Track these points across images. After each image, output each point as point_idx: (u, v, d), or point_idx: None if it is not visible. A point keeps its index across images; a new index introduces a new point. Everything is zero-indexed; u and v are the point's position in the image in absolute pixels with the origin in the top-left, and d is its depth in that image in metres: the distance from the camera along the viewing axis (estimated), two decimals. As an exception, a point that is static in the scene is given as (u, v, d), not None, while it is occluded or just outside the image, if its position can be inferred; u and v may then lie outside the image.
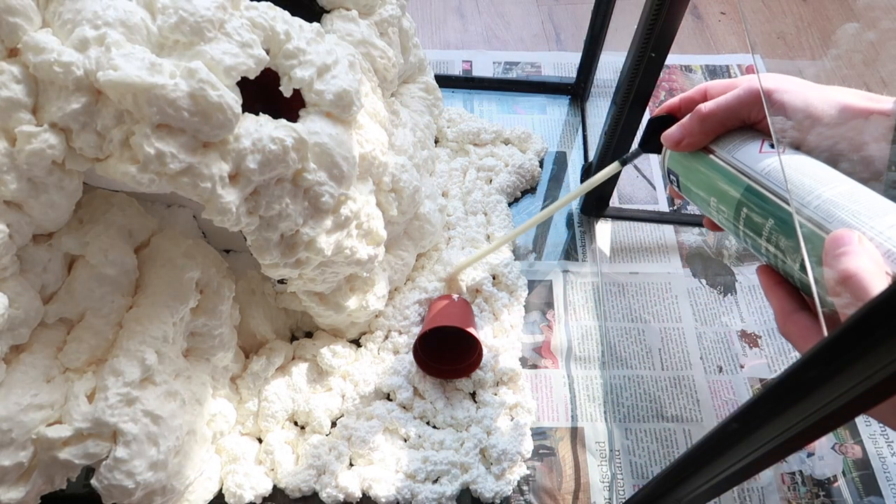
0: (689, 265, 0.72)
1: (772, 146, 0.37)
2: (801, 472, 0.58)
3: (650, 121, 0.44)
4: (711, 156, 0.39)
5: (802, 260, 0.32)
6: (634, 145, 0.80)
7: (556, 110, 0.86)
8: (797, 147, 0.37)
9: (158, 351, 0.47)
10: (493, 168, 0.76)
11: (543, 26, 0.98)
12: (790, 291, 0.34)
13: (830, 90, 0.37)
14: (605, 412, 0.61)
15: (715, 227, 0.44)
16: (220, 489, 0.54)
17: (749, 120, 0.39)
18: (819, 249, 0.31)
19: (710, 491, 0.33)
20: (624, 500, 0.55)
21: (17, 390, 0.42)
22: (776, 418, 0.25)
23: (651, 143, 0.44)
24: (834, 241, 0.29)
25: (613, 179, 0.69)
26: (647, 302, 0.69)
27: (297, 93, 0.47)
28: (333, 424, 0.59)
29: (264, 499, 0.55)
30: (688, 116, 0.40)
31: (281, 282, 0.59)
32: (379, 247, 0.56)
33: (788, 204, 0.33)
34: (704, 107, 0.39)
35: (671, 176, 0.43)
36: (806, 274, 0.32)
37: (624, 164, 0.49)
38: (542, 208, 0.76)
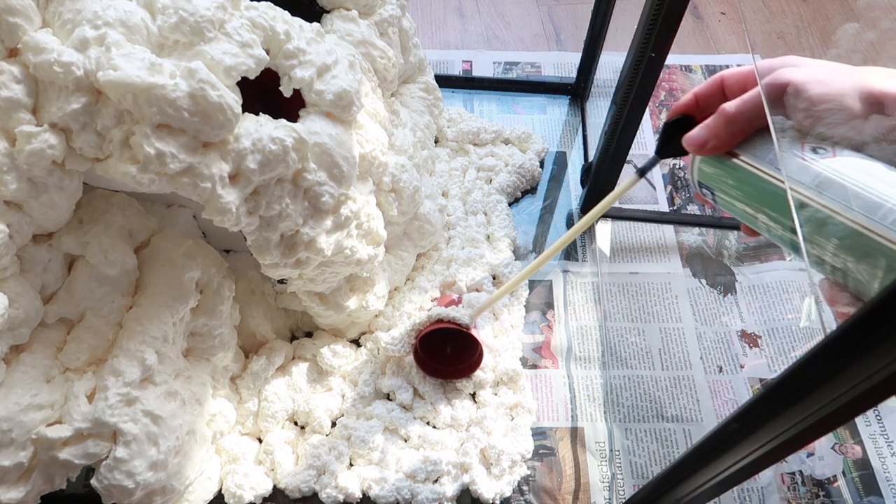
0: (689, 265, 0.72)
1: (814, 150, 0.33)
2: (801, 472, 0.58)
3: (666, 124, 0.41)
4: (751, 168, 0.35)
5: (881, 281, 0.29)
6: (639, 144, 0.81)
7: (556, 110, 0.86)
8: (844, 143, 0.33)
9: (158, 351, 0.47)
10: (493, 168, 0.76)
11: (543, 26, 0.98)
12: None
13: (865, 75, 0.33)
14: (605, 412, 0.61)
15: (753, 233, 0.40)
16: (220, 489, 0.54)
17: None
18: None
19: (710, 491, 0.33)
20: (624, 500, 0.55)
21: (17, 390, 0.42)
22: (776, 418, 0.25)
23: (668, 148, 0.40)
24: None
25: (613, 180, 0.69)
26: (647, 302, 0.69)
27: (297, 93, 0.47)
28: (333, 424, 0.59)
29: (264, 499, 0.55)
30: (712, 117, 0.37)
31: (281, 282, 0.59)
32: (379, 247, 0.56)
33: (854, 221, 0.30)
34: (730, 106, 0.36)
35: (703, 189, 0.40)
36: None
37: (642, 174, 0.46)
38: (542, 208, 0.76)
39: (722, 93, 0.39)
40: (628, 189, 0.47)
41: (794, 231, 0.33)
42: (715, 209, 0.40)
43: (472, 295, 0.63)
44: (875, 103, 0.32)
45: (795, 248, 0.34)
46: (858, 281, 0.30)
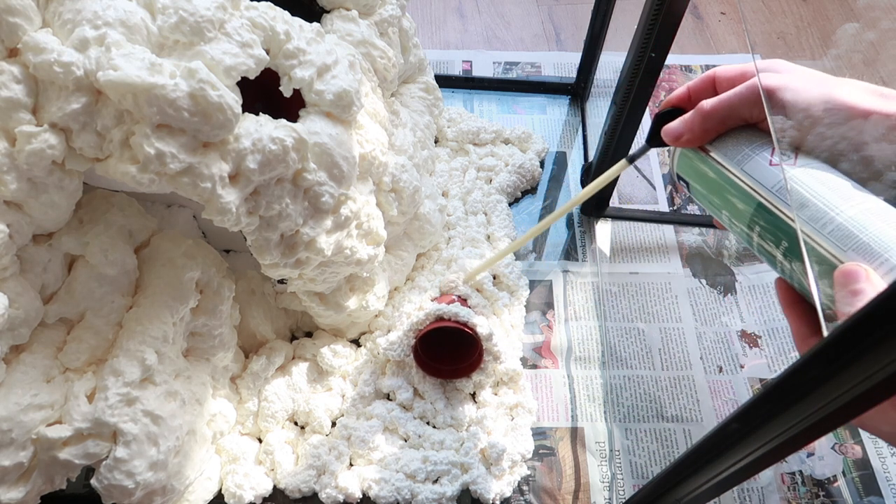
0: (689, 265, 0.72)
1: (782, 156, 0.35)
2: (801, 472, 0.58)
3: (657, 115, 0.43)
4: (719, 165, 0.38)
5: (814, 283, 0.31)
6: (639, 143, 0.80)
7: (556, 110, 0.86)
8: (804, 151, 0.35)
9: (158, 351, 0.47)
10: (493, 168, 0.76)
11: (543, 26, 0.98)
12: (808, 311, 0.32)
13: (836, 87, 0.34)
14: (605, 412, 0.61)
15: (723, 227, 0.42)
16: (220, 489, 0.54)
17: (752, 119, 0.37)
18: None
19: (710, 491, 0.33)
20: (624, 500, 0.55)
21: (17, 390, 0.42)
22: (776, 418, 0.25)
23: (658, 139, 0.43)
24: (843, 278, 0.28)
25: (615, 179, 0.69)
26: (647, 302, 0.69)
27: (297, 93, 0.47)
28: (333, 424, 0.59)
29: (264, 499, 0.55)
30: (690, 112, 0.39)
31: (281, 282, 0.59)
32: (379, 247, 0.56)
33: (798, 226, 0.32)
34: (707, 104, 0.38)
35: (681, 181, 0.42)
36: (827, 300, 0.30)
37: (631, 161, 0.48)
38: (542, 208, 0.76)
39: (713, 89, 0.41)
40: (618, 173, 0.50)
41: (750, 230, 0.35)
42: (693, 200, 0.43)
43: (463, 262, 0.64)
44: (838, 114, 0.33)
45: (751, 245, 0.36)
46: (802, 283, 0.32)
